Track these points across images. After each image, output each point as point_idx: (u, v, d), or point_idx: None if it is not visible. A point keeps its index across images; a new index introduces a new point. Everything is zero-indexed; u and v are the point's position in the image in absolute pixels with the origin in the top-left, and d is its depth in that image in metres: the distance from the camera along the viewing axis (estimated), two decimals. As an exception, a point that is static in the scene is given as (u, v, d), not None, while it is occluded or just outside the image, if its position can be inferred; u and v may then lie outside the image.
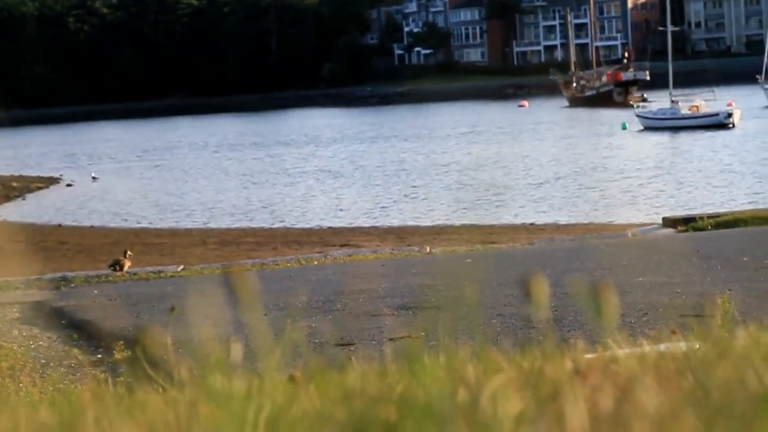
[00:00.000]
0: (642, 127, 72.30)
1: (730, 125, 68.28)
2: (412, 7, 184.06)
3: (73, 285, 16.53)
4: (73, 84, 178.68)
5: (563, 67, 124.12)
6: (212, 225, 37.87)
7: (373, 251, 20.90)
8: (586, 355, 3.12)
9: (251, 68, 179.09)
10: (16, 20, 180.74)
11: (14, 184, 56.05)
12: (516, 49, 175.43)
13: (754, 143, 57.74)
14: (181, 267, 18.65)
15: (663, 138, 65.71)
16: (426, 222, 35.15)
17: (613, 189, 42.15)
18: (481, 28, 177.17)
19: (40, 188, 56.07)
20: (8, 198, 51.06)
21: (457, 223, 33.39)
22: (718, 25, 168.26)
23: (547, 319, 3.02)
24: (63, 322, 13.11)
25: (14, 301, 14.98)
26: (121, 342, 9.93)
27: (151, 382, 3.35)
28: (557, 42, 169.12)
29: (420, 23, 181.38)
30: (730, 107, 71.27)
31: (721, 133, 65.08)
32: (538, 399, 2.52)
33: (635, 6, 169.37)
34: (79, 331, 12.34)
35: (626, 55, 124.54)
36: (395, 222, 35.98)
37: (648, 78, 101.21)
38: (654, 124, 71.42)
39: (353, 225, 35.64)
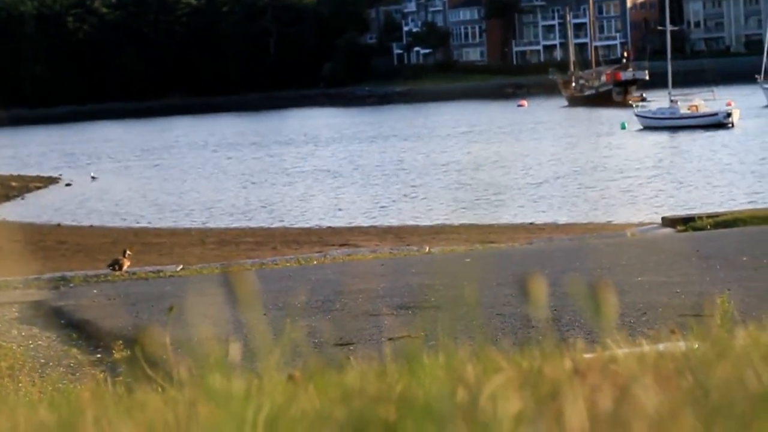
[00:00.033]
0: (641, 127, 72.31)
1: (729, 125, 68.28)
2: (411, 7, 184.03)
3: (72, 284, 16.53)
4: (72, 83, 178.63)
5: (562, 66, 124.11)
6: (211, 224, 37.87)
7: (372, 251, 20.90)
8: (585, 354, 3.12)
9: (251, 68, 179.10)
10: (15, 20, 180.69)
11: (13, 184, 56.04)
12: (515, 49, 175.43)
13: (753, 143, 57.75)
14: (180, 267, 18.65)
15: (662, 138, 65.71)
16: (425, 221, 35.15)
17: (613, 189, 42.15)
18: (480, 27, 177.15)
19: (39, 188, 56.06)
20: (7, 198, 51.05)
21: (456, 222, 33.39)
22: (717, 24, 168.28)
23: (546, 318, 3.02)
24: (62, 321, 13.11)
25: (13, 301, 14.98)
26: (120, 342, 9.93)
27: (150, 381, 3.35)
28: (556, 41, 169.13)
29: (419, 23, 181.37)
30: (729, 107, 71.29)
31: (720, 133, 65.08)
32: (537, 399, 2.52)
33: (634, 5, 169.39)
34: (78, 330, 12.33)
35: (625, 54, 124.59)
36: (394, 221, 35.98)
37: (647, 77, 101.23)
38: (653, 124, 71.42)
39: (352, 224, 35.63)
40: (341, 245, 26.76)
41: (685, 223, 21.99)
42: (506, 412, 2.41)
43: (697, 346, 3.29)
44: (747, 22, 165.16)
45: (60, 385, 7.57)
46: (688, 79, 77.82)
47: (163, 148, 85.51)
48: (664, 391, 2.53)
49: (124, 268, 17.63)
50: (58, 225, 38.81)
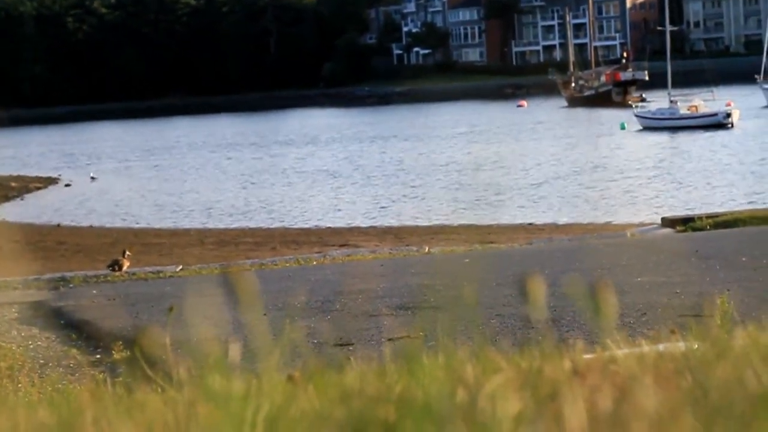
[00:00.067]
0: (641, 127, 72.30)
1: (729, 125, 68.27)
2: (411, 7, 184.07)
3: (71, 285, 16.53)
4: (72, 83, 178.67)
5: (562, 67, 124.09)
6: (211, 225, 37.87)
7: (371, 251, 20.90)
8: (584, 355, 3.12)
9: (251, 68, 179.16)
10: (14, 20, 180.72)
11: (13, 184, 56.04)
12: (515, 49, 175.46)
13: (752, 143, 57.76)
14: (180, 267, 18.65)
15: (662, 138, 65.71)
16: (424, 222, 35.15)
17: (612, 189, 42.16)
18: (479, 28, 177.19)
19: (38, 188, 56.06)
20: (7, 198, 51.04)
21: (456, 223, 33.39)
22: (716, 24, 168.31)
23: (545, 319, 3.03)
24: (62, 322, 13.10)
25: (13, 301, 14.98)
26: (120, 342, 9.94)
27: (149, 382, 3.35)
28: (556, 42, 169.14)
29: (419, 23, 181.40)
30: (728, 107, 71.28)
31: (720, 133, 65.08)
32: (536, 399, 2.52)
33: (634, 6, 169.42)
34: (78, 331, 12.33)
35: (625, 54, 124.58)
36: (394, 222, 35.98)
37: (647, 78, 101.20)
38: (653, 124, 71.42)
39: (352, 225, 35.63)
40: (341, 245, 26.76)
41: (685, 223, 22.01)
42: (506, 413, 2.41)
43: (696, 346, 3.29)
44: (746, 22, 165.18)
45: (59, 385, 7.56)
46: (687, 80, 77.82)
47: (163, 148, 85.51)
48: (663, 391, 2.53)
49: (124, 268, 17.63)
50: (58, 225, 38.81)
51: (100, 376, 8.45)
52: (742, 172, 44.83)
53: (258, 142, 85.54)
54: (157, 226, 38.39)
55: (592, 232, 25.93)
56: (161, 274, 17.52)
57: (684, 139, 63.78)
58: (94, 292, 15.59)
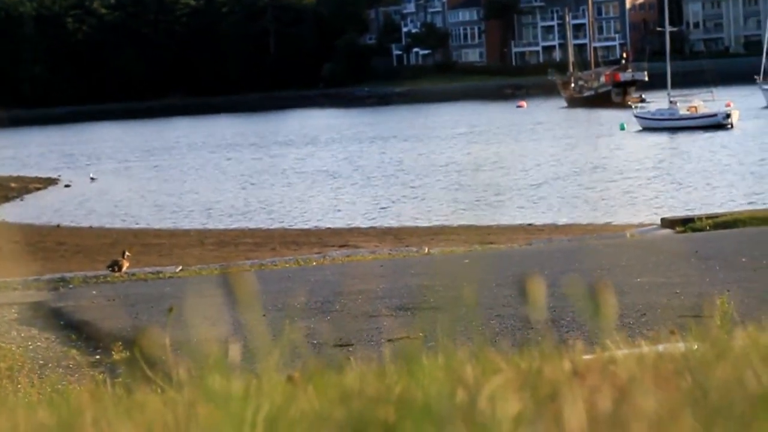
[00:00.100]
0: (640, 128, 72.30)
1: (729, 126, 68.26)
2: (411, 8, 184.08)
3: (71, 286, 16.53)
4: (72, 84, 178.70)
5: (561, 67, 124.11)
6: (210, 225, 37.86)
7: (371, 252, 20.91)
8: (584, 355, 3.12)
9: (250, 68, 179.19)
10: (14, 20, 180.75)
11: (12, 185, 56.03)
12: (514, 50, 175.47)
13: (752, 144, 57.76)
14: (180, 268, 18.65)
15: (661, 138, 65.72)
16: (424, 222, 35.15)
17: (612, 190, 42.16)
18: (479, 28, 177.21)
19: (38, 189, 56.05)
20: (7, 198, 51.03)
21: (456, 223, 33.39)
22: (716, 25, 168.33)
23: (545, 319, 3.03)
24: (61, 322, 13.10)
25: (12, 302, 14.98)
26: (120, 343, 9.94)
27: (149, 382, 3.35)
28: (555, 42, 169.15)
29: (418, 24, 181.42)
30: (728, 108, 71.28)
31: (720, 134, 65.08)
32: (536, 400, 2.52)
33: (633, 6, 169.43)
34: (78, 331, 12.33)
35: (624, 55, 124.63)
36: (393, 222, 35.98)
37: (646, 78, 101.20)
38: (652, 125, 71.41)
39: (351, 225, 35.63)
40: (340, 246, 26.77)
41: (685, 224, 22.01)
42: (505, 413, 2.41)
43: (696, 347, 3.29)
44: (746, 22, 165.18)
45: (59, 386, 7.56)
46: (687, 80, 77.81)
47: (163, 148, 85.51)
48: (663, 392, 2.53)
49: (124, 269, 17.63)
50: (58, 226, 38.80)
51: (100, 376, 8.45)
52: (742, 173, 44.83)
53: (258, 143, 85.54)
54: (156, 226, 38.38)
55: (591, 232, 25.94)
56: (161, 275, 17.52)
57: (683, 139, 63.78)
58: (94, 292, 15.59)
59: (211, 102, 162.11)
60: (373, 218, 37.77)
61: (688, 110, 71.21)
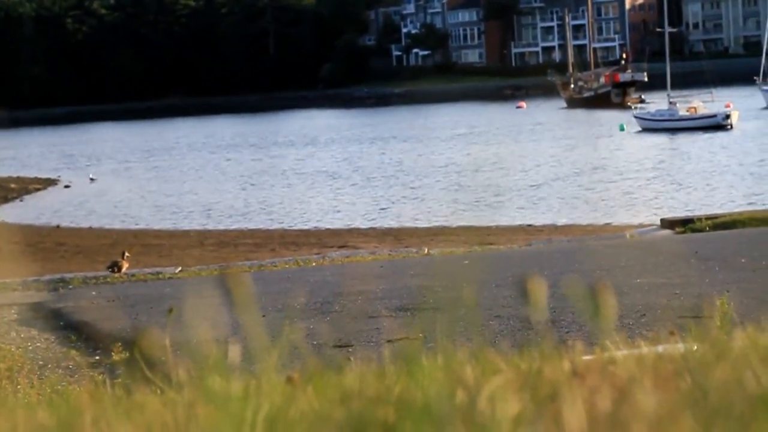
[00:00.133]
0: (640, 129, 72.31)
1: (728, 126, 68.26)
2: (410, 8, 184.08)
3: (71, 286, 16.53)
4: (71, 84, 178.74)
5: (561, 68, 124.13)
6: (210, 226, 37.86)
7: (371, 253, 20.91)
8: (584, 356, 3.12)
9: (250, 69, 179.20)
10: (14, 21, 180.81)
11: (12, 186, 56.04)
12: (514, 50, 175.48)
13: (752, 144, 57.76)
14: (179, 268, 18.65)
15: (661, 139, 65.72)
16: (424, 223, 35.15)
17: (612, 190, 42.16)
18: (479, 29, 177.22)
19: (38, 189, 56.05)
20: (6, 199, 51.03)
21: (455, 224, 33.38)
22: (715, 26, 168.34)
23: (545, 320, 3.02)
24: (61, 323, 13.10)
25: (12, 303, 14.97)
26: (119, 343, 9.94)
27: (149, 383, 3.35)
28: (555, 43, 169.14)
29: (418, 24, 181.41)
30: (727, 108, 71.28)
31: (719, 135, 65.08)
32: (536, 400, 2.52)
33: (633, 7, 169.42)
34: (77, 332, 12.33)
35: (624, 56, 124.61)
36: (393, 223, 35.98)
37: (646, 79, 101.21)
38: (652, 126, 71.42)
39: (351, 226, 35.64)
40: (340, 247, 26.76)
41: (684, 224, 22.02)
42: (505, 414, 2.41)
43: (695, 347, 3.29)
44: (745, 23, 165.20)
45: (59, 386, 7.56)
46: (686, 81, 77.84)
47: (163, 149, 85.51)
48: (663, 392, 2.53)
49: (123, 269, 17.64)
50: (57, 227, 38.80)
51: (100, 377, 8.45)
52: (742, 174, 44.83)
53: (257, 144, 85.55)
54: (156, 227, 38.38)
55: (591, 233, 25.95)
56: (160, 276, 17.52)
57: (683, 140, 63.78)
58: (94, 293, 15.59)
59: (211, 102, 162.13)
60: (373, 219, 37.77)
61: (687, 111, 71.21)
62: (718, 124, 68.66)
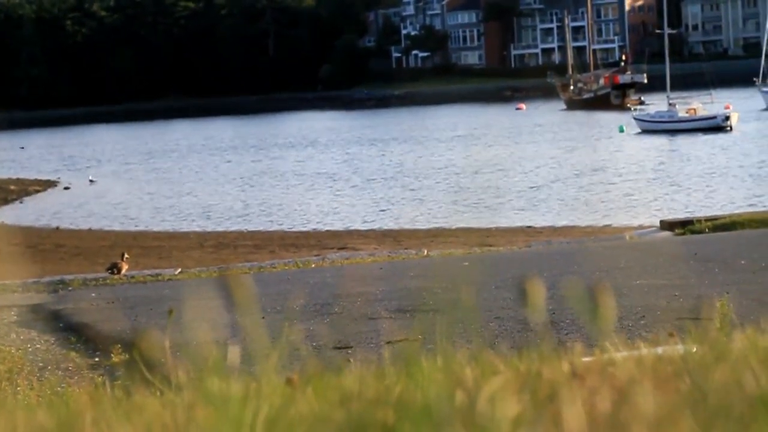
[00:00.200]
0: (639, 130, 72.32)
1: (728, 128, 68.26)
2: (410, 10, 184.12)
3: (70, 288, 16.53)
4: (71, 86, 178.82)
5: (560, 69, 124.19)
6: (209, 228, 37.86)
7: (370, 254, 20.91)
8: (583, 357, 3.12)
9: (249, 70, 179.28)
10: (14, 22, 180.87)
11: (12, 187, 56.04)
12: (513, 52, 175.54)
13: (751, 146, 57.77)
14: (179, 270, 18.64)
15: (660, 141, 65.73)
16: (423, 225, 35.15)
17: (611, 192, 42.17)
18: (478, 30, 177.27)
19: (37, 191, 56.04)
20: (6, 201, 51.03)
21: (455, 225, 33.39)
22: (715, 27, 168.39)
23: (544, 321, 3.02)
24: (60, 325, 13.09)
25: (12, 304, 14.97)
26: (119, 345, 9.94)
27: (148, 385, 3.35)
28: (554, 45, 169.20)
29: (417, 26, 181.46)
30: (727, 110, 71.28)
31: (719, 136, 65.09)
32: (535, 402, 2.52)
33: (632, 9, 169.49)
34: (77, 334, 12.32)
35: (623, 57, 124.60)
36: (392, 225, 35.98)
37: (645, 81, 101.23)
38: (651, 127, 71.43)
39: (350, 228, 35.64)
40: (339, 248, 26.76)
41: (684, 226, 22.00)
42: (504, 415, 2.41)
43: (695, 349, 3.29)
44: (745, 25, 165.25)
45: (58, 388, 7.56)
46: (686, 83, 77.87)
47: (162, 151, 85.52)
48: (662, 394, 2.53)
49: (123, 271, 17.63)
50: (57, 228, 38.81)
51: (99, 379, 8.45)
52: (741, 175, 44.84)
53: (257, 145, 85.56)
54: (156, 229, 38.38)
55: (590, 234, 25.95)
56: (160, 277, 17.51)
57: (683, 142, 63.79)
58: (93, 295, 15.58)
59: (210, 104, 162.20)
60: (372, 220, 37.77)
61: (687, 112, 71.22)
62: (717, 126, 68.67)
